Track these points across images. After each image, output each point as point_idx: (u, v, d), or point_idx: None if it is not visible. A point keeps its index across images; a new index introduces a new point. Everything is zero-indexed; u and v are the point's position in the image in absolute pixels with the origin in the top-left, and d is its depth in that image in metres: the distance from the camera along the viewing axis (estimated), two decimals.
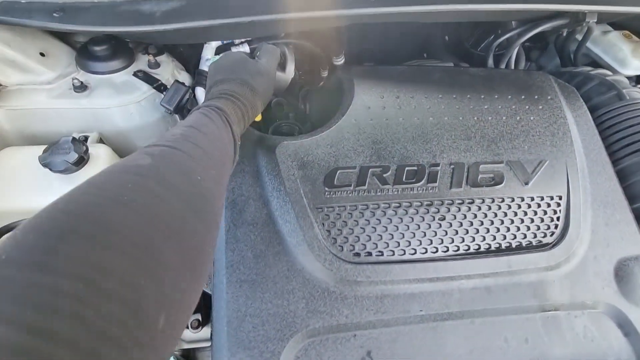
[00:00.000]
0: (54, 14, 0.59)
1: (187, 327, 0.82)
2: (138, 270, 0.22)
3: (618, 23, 0.89)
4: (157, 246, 0.24)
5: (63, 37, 0.73)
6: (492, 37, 0.96)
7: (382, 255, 0.52)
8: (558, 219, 0.56)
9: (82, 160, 0.60)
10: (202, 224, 0.30)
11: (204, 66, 0.79)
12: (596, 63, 0.90)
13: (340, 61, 0.99)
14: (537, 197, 0.57)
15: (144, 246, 0.23)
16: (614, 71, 0.85)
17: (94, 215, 0.23)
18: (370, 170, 0.55)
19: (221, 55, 0.57)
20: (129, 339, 0.20)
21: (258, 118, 0.73)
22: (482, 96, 0.64)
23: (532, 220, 0.56)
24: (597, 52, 0.88)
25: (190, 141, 0.35)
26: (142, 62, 0.76)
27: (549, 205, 0.57)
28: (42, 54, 0.70)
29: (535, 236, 0.55)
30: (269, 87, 0.54)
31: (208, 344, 0.84)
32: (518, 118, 0.63)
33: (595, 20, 0.74)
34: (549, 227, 0.56)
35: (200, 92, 0.77)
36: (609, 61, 0.86)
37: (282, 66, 0.70)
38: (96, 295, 0.20)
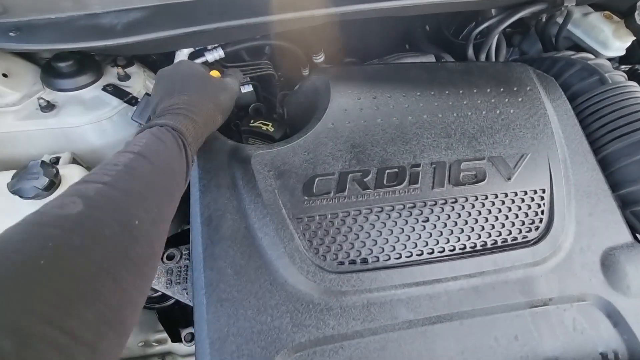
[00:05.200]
0: (10, 34, 0.56)
1: (181, 341, 0.82)
2: (51, 345, 0.21)
3: (598, 4, 0.87)
4: (73, 311, 0.23)
5: (26, 55, 0.70)
6: (472, 25, 0.94)
7: (367, 262, 0.51)
8: (542, 212, 0.56)
9: (52, 185, 0.58)
10: (132, 274, 0.28)
11: None
12: (578, 46, 0.89)
13: (320, 59, 0.97)
14: (520, 192, 0.56)
15: (61, 312, 0.22)
16: (596, 53, 0.84)
17: (9, 280, 0.22)
18: (349, 175, 0.54)
19: (175, 64, 0.55)
20: None
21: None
22: (461, 91, 0.63)
23: (517, 216, 0.55)
24: (578, 35, 0.87)
25: (134, 176, 0.33)
26: (111, 75, 0.74)
27: (532, 199, 0.56)
28: (4, 75, 0.67)
29: (520, 232, 0.55)
30: (232, 103, 0.54)
31: None
32: (498, 112, 0.62)
33: (574, 4, 0.73)
34: (533, 222, 0.55)
35: None
36: (591, 43, 0.85)
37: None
38: None
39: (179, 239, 0.78)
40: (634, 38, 0.78)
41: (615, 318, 0.52)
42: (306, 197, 0.52)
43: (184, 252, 0.69)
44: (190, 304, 0.64)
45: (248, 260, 0.49)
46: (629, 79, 0.74)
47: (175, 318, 0.79)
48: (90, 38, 0.56)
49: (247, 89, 0.89)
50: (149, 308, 0.74)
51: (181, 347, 0.83)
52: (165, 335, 0.82)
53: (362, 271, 0.50)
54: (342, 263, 0.50)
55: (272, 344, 0.46)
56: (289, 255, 0.49)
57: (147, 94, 0.67)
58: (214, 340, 0.45)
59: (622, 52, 0.82)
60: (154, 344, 0.82)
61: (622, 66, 0.83)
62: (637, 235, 0.61)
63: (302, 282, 0.49)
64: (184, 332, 0.82)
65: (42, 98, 0.65)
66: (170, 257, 0.69)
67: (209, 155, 0.55)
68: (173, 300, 0.72)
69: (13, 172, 0.59)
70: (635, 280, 0.53)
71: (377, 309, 0.49)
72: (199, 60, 0.77)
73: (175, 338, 0.81)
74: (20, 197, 0.57)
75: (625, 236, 0.57)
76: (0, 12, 0.57)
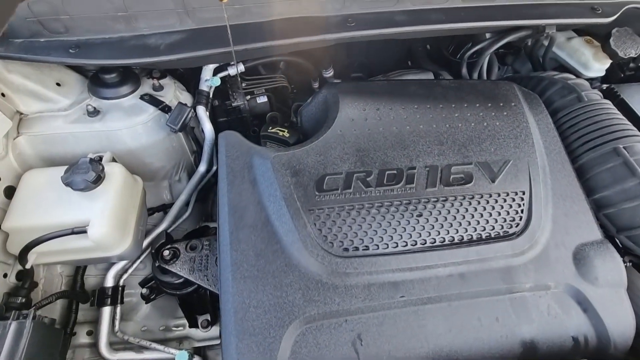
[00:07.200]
0: (70, 50, 0.67)
1: (198, 327, 0.90)
2: None
3: (580, 29, 0.97)
4: None
5: (76, 67, 0.81)
6: (468, 45, 1.04)
7: (368, 249, 0.59)
8: (522, 211, 0.64)
9: (99, 179, 0.68)
10: None
11: (204, 86, 0.87)
12: (564, 66, 0.98)
13: (329, 73, 1.08)
14: (503, 192, 0.65)
15: None
16: (579, 74, 0.93)
17: None
18: (355, 175, 0.63)
19: None
20: None
21: None
22: (453, 105, 0.72)
23: (499, 213, 0.63)
24: (563, 57, 0.96)
25: None
26: (147, 85, 0.84)
27: (513, 199, 0.64)
28: (58, 84, 0.78)
29: (502, 227, 0.63)
30: None
31: (217, 341, 0.91)
32: (485, 124, 0.71)
33: (555, 31, 0.83)
34: (514, 219, 0.63)
35: (201, 111, 0.85)
36: (574, 64, 0.94)
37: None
38: None
39: (197, 234, 0.87)
40: (611, 61, 0.88)
41: (584, 305, 0.60)
42: (317, 193, 0.61)
43: (204, 243, 0.78)
44: (210, 288, 0.73)
45: (267, 244, 0.58)
46: (605, 97, 0.82)
47: (193, 305, 0.87)
48: (138, 55, 0.66)
49: (262, 99, 0.99)
50: (171, 294, 0.82)
51: (197, 333, 0.91)
52: (183, 321, 0.90)
53: (363, 256, 0.58)
54: (346, 249, 0.59)
55: (286, 315, 0.54)
56: (302, 241, 0.58)
57: (180, 102, 0.77)
58: (238, 309, 0.53)
59: (602, 73, 0.91)
60: (173, 328, 0.90)
61: (604, 85, 0.91)
62: (615, 236, 0.68)
63: (313, 264, 0.57)
64: (201, 319, 0.90)
65: (90, 105, 0.76)
66: (193, 248, 0.78)
67: (234, 155, 0.64)
68: (192, 288, 0.80)
69: (63, 167, 0.69)
70: (603, 272, 0.61)
71: (376, 289, 0.57)
72: (222, 74, 0.87)
73: (193, 323, 0.89)
74: (72, 188, 0.66)
75: (596, 234, 0.65)
76: (62, 31, 0.68)
